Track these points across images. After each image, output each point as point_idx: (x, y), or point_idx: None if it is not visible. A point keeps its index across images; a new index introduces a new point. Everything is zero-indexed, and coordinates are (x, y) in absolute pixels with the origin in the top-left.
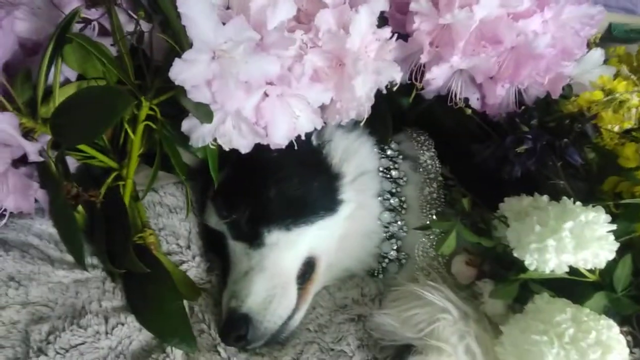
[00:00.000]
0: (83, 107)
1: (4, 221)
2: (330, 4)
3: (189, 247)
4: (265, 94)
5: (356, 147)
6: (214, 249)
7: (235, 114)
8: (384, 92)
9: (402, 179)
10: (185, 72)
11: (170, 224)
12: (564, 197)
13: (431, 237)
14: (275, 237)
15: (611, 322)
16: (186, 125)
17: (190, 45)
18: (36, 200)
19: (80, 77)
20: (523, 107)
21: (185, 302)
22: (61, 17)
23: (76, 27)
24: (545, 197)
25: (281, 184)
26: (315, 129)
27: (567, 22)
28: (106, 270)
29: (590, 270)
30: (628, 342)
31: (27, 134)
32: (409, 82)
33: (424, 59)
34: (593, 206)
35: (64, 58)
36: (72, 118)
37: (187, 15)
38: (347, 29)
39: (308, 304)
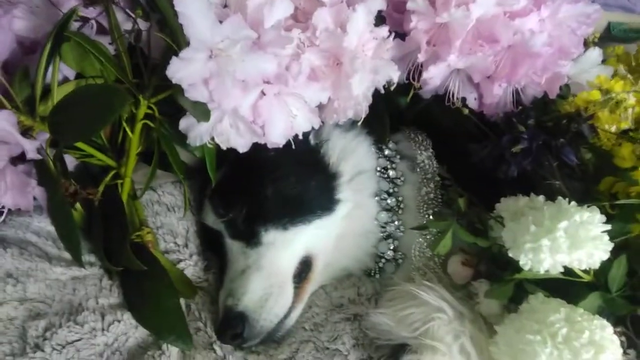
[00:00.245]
0: (81, 105)
1: (2, 218)
2: (327, 3)
3: (186, 246)
4: (263, 93)
5: (354, 146)
6: (212, 247)
7: (232, 113)
8: (382, 91)
9: (399, 178)
10: (182, 70)
11: (168, 222)
12: (559, 197)
13: (428, 237)
14: (272, 236)
15: (605, 322)
16: (184, 123)
17: (188, 44)
18: (35, 198)
19: (79, 76)
20: (520, 107)
21: (182, 300)
22: (59, 15)
23: (74, 25)
24: (541, 197)
25: (278, 183)
26: (313, 128)
27: (563, 20)
28: (103, 268)
29: (584, 271)
30: (622, 342)
31: (26, 131)
32: (407, 81)
33: (421, 58)
34: (588, 206)
35: (61, 56)
36: (69, 116)
37: (184, 13)
38: (344, 28)
39: (304, 303)
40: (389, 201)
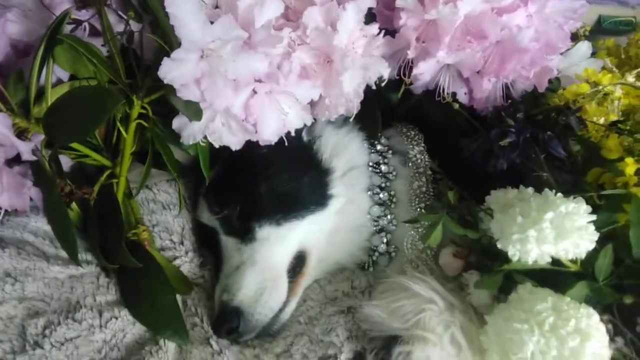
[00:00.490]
0: (74, 106)
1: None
2: (318, 2)
3: (182, 243)
4: (254, 91)
5: (346, 142)
6: (207, 244)
7: (224, 112)
8: (373, 88)
9: (391, 173)
10: (174, 71)
11: (164, 220)
12: (546, 189)
13: (420, 230)
14: (266, 232)
15: (591, 310)
16: (177, 123)
17: (179, 45)
18: (31, 199)
19: (72, 77)
20: (510, 101)
21: (178, 296)
22: (52, 18)
23: (67, 28)
24: (530, 190)
25: (271, 179)
26: (305, 125)
27: (550, 16)
28: (100, 266)
29: (572, 261)
30: (608, 330)
31: (21, 133)
32: (398, 77)
33: (411, 54)
34: (574, 197)
35: (55, 59)
36: (63, 117)
37: (175, 15)
38: (334, 26)
39: (299, 297)
40: (381, 195)
